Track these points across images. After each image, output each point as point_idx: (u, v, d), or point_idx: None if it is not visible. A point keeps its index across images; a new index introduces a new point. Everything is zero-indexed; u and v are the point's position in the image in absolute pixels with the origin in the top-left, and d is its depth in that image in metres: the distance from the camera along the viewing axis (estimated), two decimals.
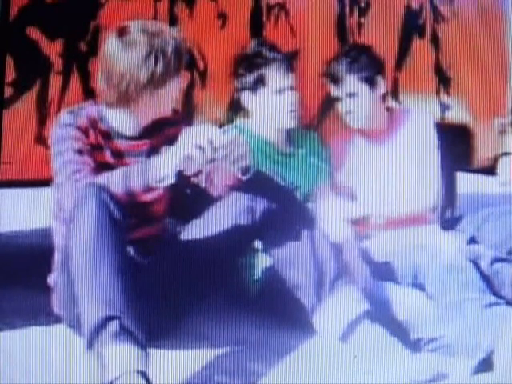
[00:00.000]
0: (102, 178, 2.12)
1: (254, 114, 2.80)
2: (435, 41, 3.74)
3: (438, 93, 3.81)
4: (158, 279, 2.28)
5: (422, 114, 3.06)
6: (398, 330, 2.39)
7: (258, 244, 2.45)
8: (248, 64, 2.74)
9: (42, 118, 2.53)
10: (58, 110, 2.50)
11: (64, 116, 2.24)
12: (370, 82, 2.90)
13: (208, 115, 2.94)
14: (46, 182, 2.31)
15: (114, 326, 1.94)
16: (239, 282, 2.59)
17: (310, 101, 3.17)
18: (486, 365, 2.31)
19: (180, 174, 2.17)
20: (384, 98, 2.96)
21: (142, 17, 2.41)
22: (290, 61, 2.77)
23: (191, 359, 2.23)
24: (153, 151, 2.28)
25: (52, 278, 2.30)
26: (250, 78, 2.73)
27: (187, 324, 2.41)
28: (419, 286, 2.65)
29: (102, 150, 2.26)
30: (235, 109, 2.94)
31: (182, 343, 2.33)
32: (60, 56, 2.55)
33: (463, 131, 3.87)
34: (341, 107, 2.92)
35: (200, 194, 2.35)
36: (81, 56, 2.59)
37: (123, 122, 2.29)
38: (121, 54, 2.21)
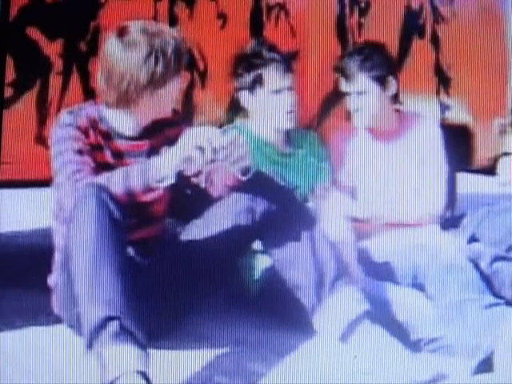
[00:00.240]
0: (102, 178, 2.12)
1: (253, 114, 2.80)
2: (435, 41, 3.74)
3: (438, 93, 3.81)
4: (158, 279, 2.28)
5: (430, 120, 3.06)
6: (398, 330, 2.39)
7: (257, 244, 2.45)
8: (247, 64, 2.74)
9: (42, 118, 2.53)
10: (58, 110, 2.50)
11: (64, 116, 2.24)
12: (381, 81, 2.89)
13: (208, 115, 2.94)
14: (46, 182, 2.31)
15: (114, 326, 1.94)
16: (239, 282, 2.59)
17: (309, 101, 3.17)
18: (486, 365, 2.31)
19: (180, 175, 2.17)
20: (394, 98, 2.95)
21: (142, 17, 2.41)
22: (289, 61, 2.77)
23: (191, 359, 2.23)
24: (153, 151, 2.28)
25: (52, 279, 2.30)
26: (248, 78, 2.74)
27: (187, 324, 2.41)
28: (419, 287, 2.65)
29: (101, 150, 2.26)
30: (235, 109, 2.94)
31: (182, 343, 2.33)
32: (60, 56, 2.55)
33: (463, 131, 3.87)
34: (349, 103, 2.91)
35: (200, 195, 2.35)
36: (81, 56, 2.59)
37: (123, 122, 2.29)
38: (121, 54, 2.21)
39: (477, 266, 2.64)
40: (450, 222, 3.01)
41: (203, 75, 2.93)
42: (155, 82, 2.22)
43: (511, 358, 2.27)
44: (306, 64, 2.99)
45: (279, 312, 2.49)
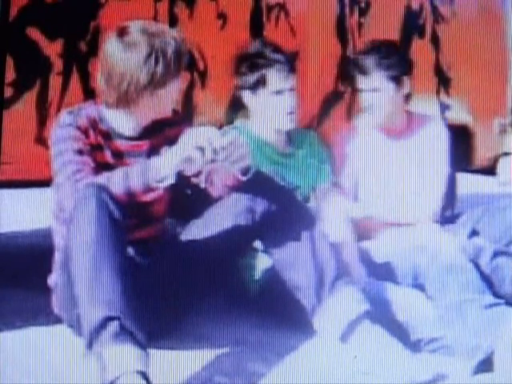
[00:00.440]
0: (102, 178, 2.12)
1: (253, 113, 2.80)
2: (435, 41, 3.74)
3: (438, 93, 3.81)
4: (158, 279, 2.28)
5: (438, 123, 3.07)
6: (398, 330, 2.38)
7: (258, 244, 2.45)
8: (250, 63, 2.74)
9: (42, 119, 2.53)
10: (58, 110, 2.50)
11: (64, 116, 2.24)
12: (397, 81, 2.90)
13: (208, 115, 2.94)
14: (46, 183, 2.30)
15: (113, 326, 1.94)
16: (239, 282, 2.59)
17: (309, 101, 3.17)
18: (486, 365, 2.31)
19: (180, 175, 2.17)
20: (407, 98, 2.96)
21: (142, 17, 2.41)
22: (293, 63, 2.77)
23: (191, 359, 2.23)
24: (153, 152, 2.28)
25: (52, 279, 2.30)
26: (251, 78, 2.74)
27: (187, 324, 2.41)
28: (419, 287, 2.65)
29: (102, 151, 2.26)
30: (235, 107, 2.94)
31: (182, 343, 2.33)
32: (60, 56, 2.55)
33: (463, 131, 3.87)
34: (363, 100, 2.92)
35: (200, 195, 2.35)
36: (81, 56, 2.59)
37: (123, 123, 2.29)
38: (121, 55, 2.20)
39: (477, 266, 2.64)
40: (450, 218, 3.02)
41: (203, 75, 2.93)
42: (155, 83, 2.22)
43: (511, 358, 2.27)
44: (306, 64, 2.99)
45: (279, 312, 2.49)
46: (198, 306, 2.40)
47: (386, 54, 2.89)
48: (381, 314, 2.38)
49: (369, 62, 2.87)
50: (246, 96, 2.77)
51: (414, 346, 2.38)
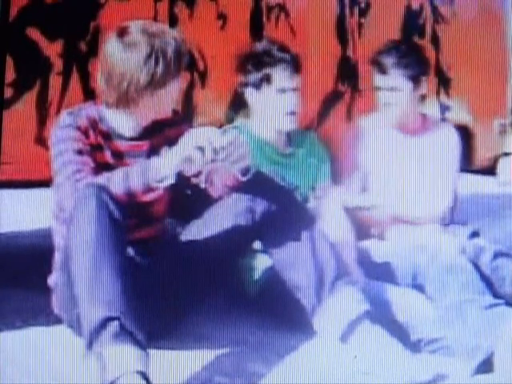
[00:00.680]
0: (102, 179, 2.12)
1: (255, 112, 2.80)
2: (435, 41, 3.74)
3: (438, 93, 3.81)
4: (158, 280, 2.28)
5: (451, 130, 3.09)
6: (398, 330, 2.38)
7: (257, 244, 2.45)
8: (256, 61, 2.74)
9: (42, 119, 2.53)
10: (58, 110, 2.50)
11: (64, 117, 2.24)
12: (415, 80, 2.92)
13: (208, 115, 2.94)
14: (46, 183, 2.30)
15: (113, 326, 1.93)
16: (239, 282, 2.59)
17: (310, 101, 3.17)
18: (486, 366, 2.31)
19: (180, 175, 2.17)
20: (423, 98, 2.98)
21: (142, 17, 2.41)
22: (298, 63, 2.77)
23: (191, 360, 2.23)
24: (153, 152, 2.28)
25: (52, 279, 2.30)
26: (256, 76, 2.74)
27: (187, 324, 2.41)
28: (419, 287, 2.65)
29: (101, 151, 2.26)
30: (237, 106, 2.94)
31: (182, 344, 2.33)
32: (60, 56, 2.55)
33: (463, 132, 3.87)
34: (380, 97, 2.94)
35: (200, 195, 2.35)
36: (81, 56, 2.59)
37: (123, 123, 2.29)
38: (121, 55, 2.20)
39: (477, 267, 2.64)
40: (450, 218, 3.02)
41: (203, 75, 2.93)
42: (155, 83, 2.22)
43: (511, 359, 2.27)
44: (306, 64, 2.98)
45: (279, 312, 2.49)
46: (198, 306, 2.40)
47: (405, 53, 2.92)
48: (381, 314, 2.38)
49: (388, 60, 2.90)
50: (250, 93, 2.78)
51: (414, 347, 2.38)
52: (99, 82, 2.27)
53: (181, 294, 2.29)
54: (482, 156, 4.04)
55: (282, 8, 3.16)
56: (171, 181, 2.11)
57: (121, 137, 2.29)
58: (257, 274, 2.59)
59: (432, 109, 3.73)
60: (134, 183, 2.11)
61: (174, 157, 2.10)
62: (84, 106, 2.32)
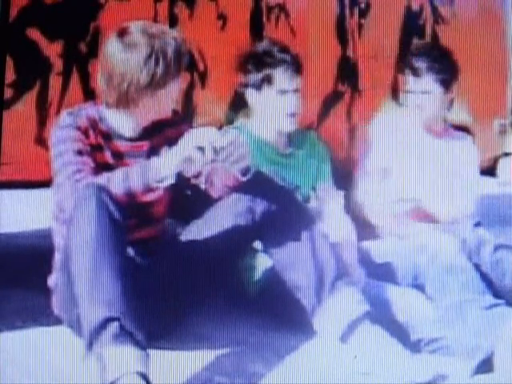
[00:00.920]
0: (102, 179, 2.12)
1: (255, 112, 2.80)
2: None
3: None
4: (158, 280, 2.28)
5: (471, 142, 3.17)
6: (398, 330, 2.39)
7: (258, 245, 2.45)
8: (257, 62, 2.74)
9: (42, 119, 2.53)
10: (58, 110, 2.50)
11: (64, 117, 2.24)
12: (446, 85, 2.97)
13: (208, 116, 2.94)
14: (46, 183, 2.31)
15: (113, 327, 1.94)
16: (239, 282, 2.59)
17: (310, 101, 3.17)
18: (486, 365, 2.31)
19: (180, 175, 2.17)
20: (451, 103, 3.02)
21: (142, 18, 2.41)
22: (300, 64, 2.78)
23: (191, 360, 2.23)
24: (153, 152, 2.28)
25: (52, 279, 2.30)
26: (257, 76, 2.74)
27: (187, 325, 2.41)
28: (419, 287, 2.65)
29: (101, 151, 2.26)
30: (236, 106, 2.94)
31: (182, 344, 2.33)
32: (60, 57, 2.55)
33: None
34: (410, 100, 2.97)
35: (200, 195, 2.36)
36: (81, 57, 2.59)
37: (123, 123, 2.29)
38: (121, 55, 2.21)
39: (477, 266, 2.64)
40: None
41: (203, 76, 2.93)
42: (155, 83, 2.22)
43: (511, 359, 2.27)
44: (306, 64, 2.98)
45: (279, 312, 2.49)
46: (198, 306, 2.40)
47: (438, 57, 2.96)
48: (381, 314, 2.38)
49: (421, 64, 2.94)
50: (250, 94, 2.78)
51: (414, 347, 2.38)
52: (99, 83, 2.27)
53: (181, 295, 2.29)
54: (481, 156, 4.03)
55: (282, 8, 3.16)
56: (171, 181, 2.12)
57: (121, 137, 2.30)
58: (257, 274, 2.59)
59: None
60: (134, 183, 2.11)
61: (174, 157, 2.10)
62: (84, 106, 2.32)
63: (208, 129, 2.12)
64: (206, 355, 2.29)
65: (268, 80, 2.73)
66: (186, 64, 2.32)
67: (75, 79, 2.59)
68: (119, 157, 2.29)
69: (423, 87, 2.95)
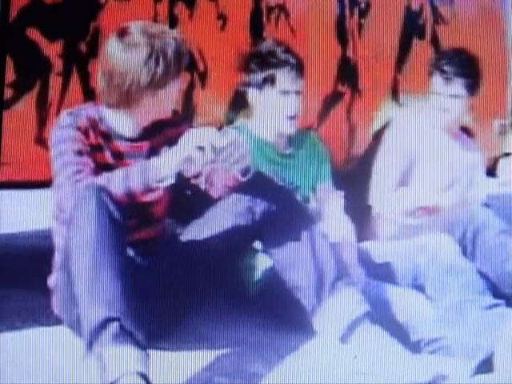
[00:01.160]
0: (102, 179, 2.12)
1: (256, 111, 2.79)
2: (435, 42, 3.74)
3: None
4: (158, 280, 2.28)
5: (480, 151, 3.23)
6: (398, 331, 2.39)
7: (258, 245, 2.45)
8: (260, 61, 2.74)
9: (42, 119, 2.52)
10: (58, 111, 2.50)
11: (64, 117, 2.24)
12: (472, 89, 3.01)
13: (208, 116, 2.94)
14: (46, 183, 2.30)
15: (113, 327, 1.93)
16: (239, 282, 2.59)
17: (310, 101, 3.17)
18: (486, 366, 2.31)
19: (180, 176, 2.17)
20: (472, 107, 3.08)
21: (142, 18, 2.41)
22: (302, 66, 2.78)
23: (191, 360, 2.23)
24: (153, 152, 2.28)
25: (52, 279, 2.30)
26: (259, 76, 2.74)
27: (187, 325, 2.41)
28: (419, 287, 2.65)
29: (101, 151, 2.26)
30: (237, 106, 2.94)
31: (182, 344, 2.33)
32: (60, 57, 2.55)
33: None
34: (438, 102, 3.02)
35: (200, 195, 2.35)
36: (81, 57, 2.59)
37: (123, 123, 2.29)
38: (121, 55, 2.21)
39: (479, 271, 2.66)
40: None
41: (203, 76, 2.93)
42: (156, 83, 2.22)
43: (511, 359, 2.27)
44: (306, 65, 2.98)
45: (279, 313, 2.50)
46: (198, 306, 2.40)
47: (466, 61, 3.00)
48: (381, 314, 2.38)
49: (451, 68, 2.97)
50: (252, 93, 2.77)
51: (414, 347, 2.38)
52: (99, 83, 2.27)
53: (181, 295, 2.29)
54: None
55: (282, 9, 3.15)
56: (171, 181, 2.11)
57: (121, 137, 2.30)
58: (257, 275, 2.59)
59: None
60: (133, 183, 2.11)
61: (173, 157, 2.10)
62: (84, 106, 2.32)
63: (208, 129, 2.12)
64: (206, 355, 2.29)
65: (271, 80, 2.73)
66: (186, 64, 2.32)
67: (75, 79, 2.59)
68: (119, 157, 2.29)
69: (453, 91, 3.00)
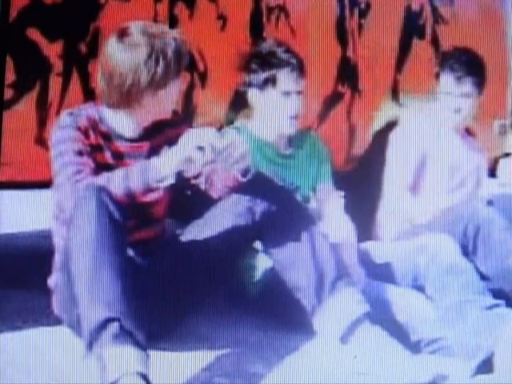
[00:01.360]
0: (102, 179, 2.12)
1: (257, 112, 2.79)
2: (435, 42, 3.74)
3: None
4: (158, 280, 2.28)
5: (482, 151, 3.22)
6: (398, 331, 2.38)
7: (258, 245, 2.45)
8: (261, 61, 2.73)
9: (42, 120, 2.52)
10: (58, 111, 2.50)
11: (64, 117, 2.24)
12: (480, 88, 3.01)
13: (208, 116, 2.94)
14: (46, 183, 2.30)
15: (113, 327, 1.93)
16: (239, 282, 2.59)
17: (310, 102, 3.17)
18: (486, 366, 2.31)
19: (180, 176, 2.17)
20: (480, 106, 3.08)
21: (142, 18, 2.41)
22: (304, 66, 2.77)
23: (191, 360, 2.23)
24: (153, 153, 2.28)
25: (52, 280, 2.30)
26: (261, 76, 2.73)
27: (187, 325, 2.41)
28: (419, 288, 2.65)
29: (101, 151, 2.26)
30: (237, 106, 2.93)
31: (182, 344, 2.33)
32: (60, 57, 2.55)
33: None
34: (449, 102, 3.01)
35: (200, 196, 2.35)
36: (81, 57, 2.59)
37: (123, 124, 2.29)
38: (121, 56, 2.21)
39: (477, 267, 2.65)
40: None
41: (203, 76, 2.93)
42: (156, 83, 2.22)
43: (511, 359, 2.27)
44: (306, 65, 2.98)
45: (279, 313, 2.49)
46: (198, 306, 2.40)
47: (473, 59, 3.00)
48: (381, 314, 2.38)
49: (461, 66, 2.97)
50: (253, 93, 2.77)
51: (414, 347, 2.38)
52: (99, 83, 2.27)
53: (181, 295, 2.29)
54: None
55: (282, 9, 3.15)
56: (171, 181, 2.11)
57: (121, 137, 2.30)
58: (257, 275, 2.59)
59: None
60: (134, 183, 2.11)
61: (173, 157, 2.10)
62: (84, 106, 2.32)
63: (207, 129, 2.12)
64: (206, 356, 2.29)
65: (272, 80, 2.72)
66: (186, 64, 2.32)
67: (75, 79, 2.59)
68: (119, 157, 2.29)
69: (464, 90, 3.00)
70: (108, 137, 2.28)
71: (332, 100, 3.35)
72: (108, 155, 2.27)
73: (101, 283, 1.97)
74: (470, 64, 3.00)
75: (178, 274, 2.28)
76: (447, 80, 3.02)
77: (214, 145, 2.08)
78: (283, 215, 2.33)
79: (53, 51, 2.53)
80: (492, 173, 4.05)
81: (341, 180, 2.94)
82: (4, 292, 2.62)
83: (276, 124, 2.77)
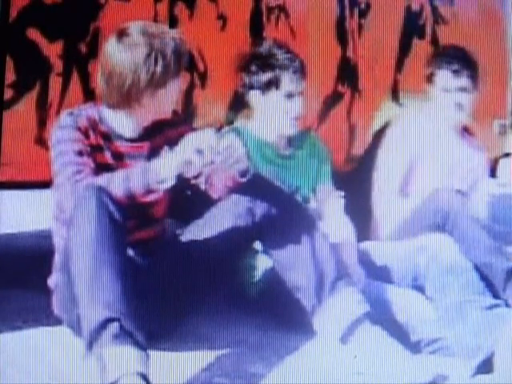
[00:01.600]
0: (102, 180, 2.12)
1: (258, 113, 2.79)
2: (435, 42, 3.74)
3: None
4: (158, 280, 2.28)
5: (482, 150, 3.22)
6: (398, 331, 2.39)
7: (258, 245, 2.45)
8: (261, 63, 2.73)
9: (42, 120, 2.52)
10: (58, 111, 2.50)
11: (64, 117, 2.24)
12: (474, 81, 3.01)
13: (208, 116, 2.94)
14: (46, 184, 2.30)
15: (113, 327, 1.93)
16: (239, 283, 2.59)
17: (310, 102, 3.17)
18: (486, 366, 2.31)
19: (180, 176, 2.17)
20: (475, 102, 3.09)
21: (142, 18, 2.41)
22: (305, 67, 2.77)
23: (191, 361, 2.23)
24: (153, 153, 2.28)
25: (52, 280, 2.30)
26: (262, 78, 2.72)
27: (187, 325, 2.41)
28: (419, 288, 2.65)
29: (102, 151, 2.26)
30: (237, 106, 2.93)
31: (182, 344, 2.33)
32: (60, 57, 2.55)
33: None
34: (449, 99, 3.02)
35: (200, 196, 2.35)
36: (81, 57, 2.59)
37: (123, 124, 2.29)
38: (121, 55, 2.21)
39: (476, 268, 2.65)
40: None
41: (203, 76, 2.93)
42: (155, 83, 2.22)
43: (511, 359, 2.27)
44: (306, 65, 2.98)
45: (279, 313, 2.50)
46: (198, 306, 2.40)
47: (466, 54, 3.03)
48: (381, 314, 2.38)
49: (457, 60, 2.98)
50: (254, 95, 2.76)
51: (414, 347, 2.38)
52: (99, 83, 2.27)
53: (181, 295, 2.29)
54: None
55: (282, 9, 3.15)
56: (171, 182, 2.12)
57: (121, 137, 2.30)
58: (257, 275, 2.59)
59: None
60: (134, 184, 2.11)
61: (173, 160, 2.10)
62: (84, 106, 2.32)
63: (205, 131, 2.12)
64: (206, 356, 2.29)
65: (275, 83, 2.71)
66: (185, 64, 2.32)
67: (75, 80, 2.59)
68: (119, 157, 2.29)
69: (461, 83, 2.99)
70: (108, 137, 2.28)
71: (332, 100, 3.35)
72: (108, 155, 2.27)
73: (101, 283, 1.97)
74: (464, 58, 3.01)
75: (178, 274, 2.29)
76: (444, 75, 3.01)
77: (213, 146, 2.08)
78: (283, 216, 2.33)
79: (53, 51, 2.53)
80: (492, 173, 4.06)
81: (341, 180, 2.94)
82: (4, 292, 2.62)
83: (277, 125, 2.76)
